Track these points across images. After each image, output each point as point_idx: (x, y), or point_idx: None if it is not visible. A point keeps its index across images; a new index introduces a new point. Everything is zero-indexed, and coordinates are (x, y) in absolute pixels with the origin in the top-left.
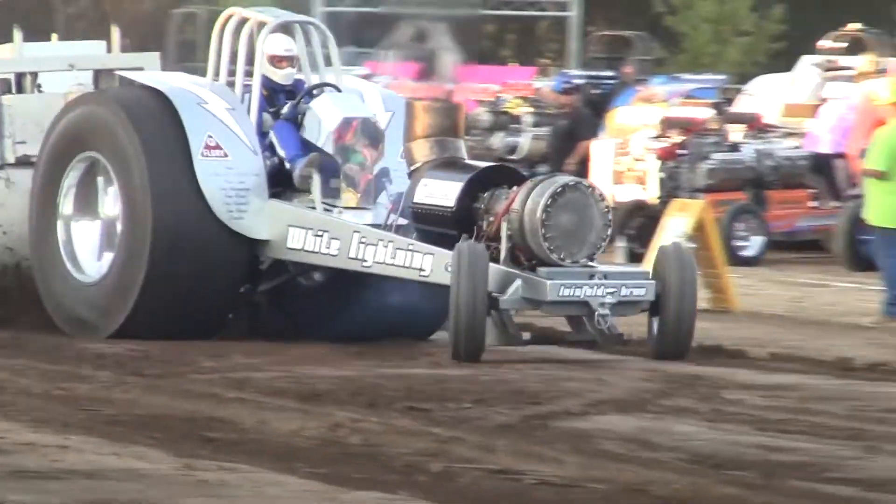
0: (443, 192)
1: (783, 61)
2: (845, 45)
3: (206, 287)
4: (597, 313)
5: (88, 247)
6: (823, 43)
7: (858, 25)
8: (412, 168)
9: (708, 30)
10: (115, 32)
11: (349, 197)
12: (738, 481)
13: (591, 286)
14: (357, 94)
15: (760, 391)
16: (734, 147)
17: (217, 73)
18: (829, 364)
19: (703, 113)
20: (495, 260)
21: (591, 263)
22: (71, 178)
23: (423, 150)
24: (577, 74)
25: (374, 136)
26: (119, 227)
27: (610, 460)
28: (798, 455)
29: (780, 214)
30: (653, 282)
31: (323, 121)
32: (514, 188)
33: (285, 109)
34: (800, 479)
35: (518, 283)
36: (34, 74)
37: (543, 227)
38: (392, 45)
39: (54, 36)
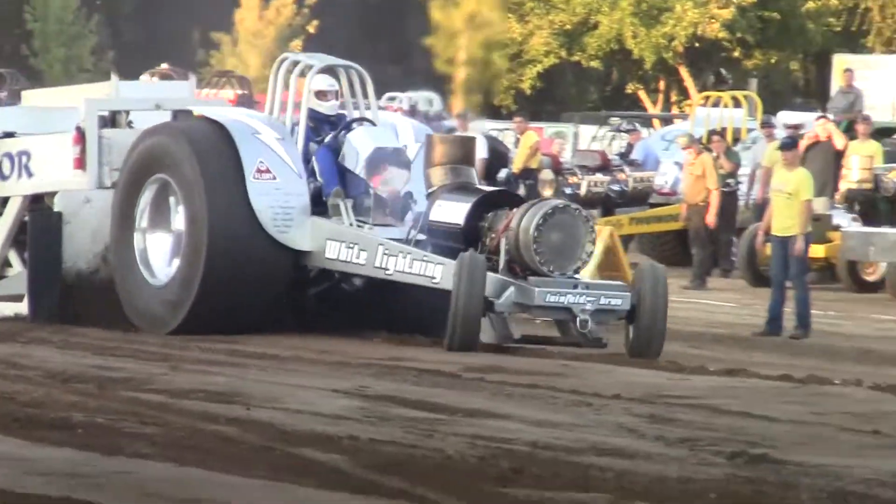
0: (454, 212)
1: None
2: None
3: (255, 290)
4: (578, 318)
5: (161, 255)
6: None
7: None
8: (430, 191)
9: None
10: (192, 77)
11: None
12: (80, 391)
13: (574, 294)
14: (391, 127)
15: None
16: None
17: (272, 109)
18: None
19: None
20: (495, 270)
21: (576, 276)
22: (146, 197)
23: (439, 176)
24: None
25: (402, 163)
26: (183, 239)
27: None
28: (123, 372)
29: None
30: (628, 294)
31: (359, 150)
32: (514, 210)
33: (327, 139)
34: (125, 389)
35: (511, 289)
36: (126, 112)
37: (535, 243)
38: None
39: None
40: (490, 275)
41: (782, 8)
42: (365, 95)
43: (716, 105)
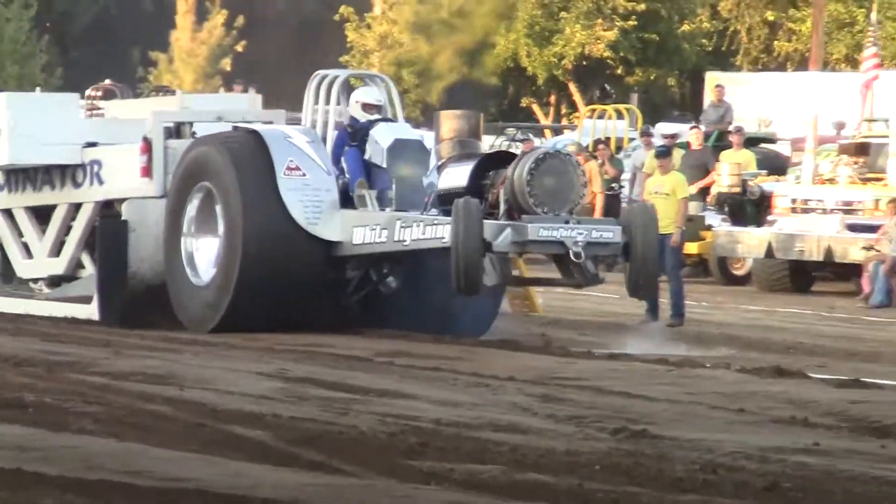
0: (459, 176)
1: None
2: None
3: (290, 282)
4: (571, 250)
5: (206, 258)
6: None
7: None
8: (439, 163)
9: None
10: (252, 91)
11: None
12: (30, 374)
13: (567, 229)
14: (407, 125)
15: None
16: None
17: (309, 120)
18: None
19: None
20: (498, 220)
21: (569, 216)
22: (193, 204)
23: (447, 149)
24: None
25: (421, 153)
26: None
27: None
28: (69, 357)
29: None
30: (619, 227)
31: (380, 143)
32: None
33: (355, 142)
34: (71, 371)
35: (508, 230)
36: (190, 123)
37: (529, 186)
38: None
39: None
40: (487, 222)
41: (660, 30)
42: (391, 102)
43: (601, 117)
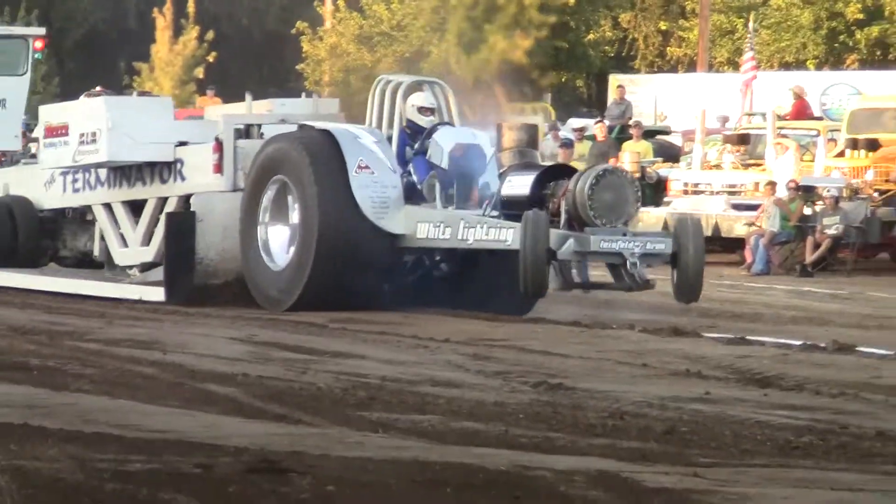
0: (521, 185)
1: None
2: None
3: (358, 269)
4: (628, 261)
5: (279, 244)
6: None
7: None
8: (501, 171)
9: None
10: (314, 95)
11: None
12: (35, 341)
13: (624, 241)
14: (469, 129)
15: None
16: None
17: (371, 121)
18: None
19: None
20: (558, 228)
21: (625, 227)
22: (268, 195)
23: (507, 158)
24: None
25: (480, 156)
26: (298, 229)
27: None
28: (68, 326)
29: None
30: (670, 238)
31: (442, 146)
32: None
33: (417, 145)
34: (70, 339)
35: (571, 240)
36: (258, 125)
37: (590, 200)
38: None
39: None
40: (553, 230)
41: (570, 39)
42: (448, 106)
43: (520, 114)
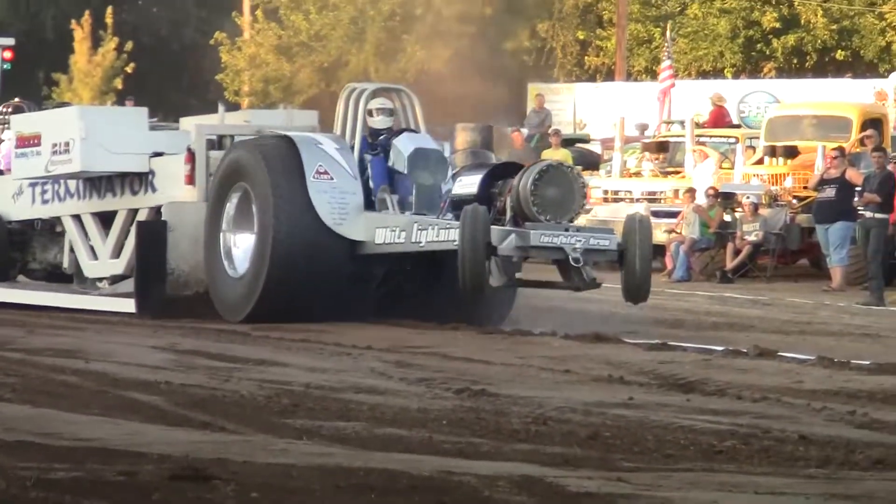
0: (470, 184)
1: None
2: None
3: (316, 276)
4: (570, 255)
5: (243, 251)
6: None
7: None
8: (454, 172)
9: None
10: (290, 107)
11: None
12: None
13: (566, 236)
14: (428, 136)
15: None
16: None
17: (340, 128)
18: None
19: None
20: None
21: (570, 224)
22: (232, 202)
23: (461, 158)
24: None
25: (439, 161)
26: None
27: None
28: None
29: None
30: (615, 235)
31: (402, 151)
32: None
33: (378, 149)
34: None
35: (512, 235)
36: (231, 136)
37: (532, 196)
38: None
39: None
40: (494, 227)
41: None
42: (412, 112)
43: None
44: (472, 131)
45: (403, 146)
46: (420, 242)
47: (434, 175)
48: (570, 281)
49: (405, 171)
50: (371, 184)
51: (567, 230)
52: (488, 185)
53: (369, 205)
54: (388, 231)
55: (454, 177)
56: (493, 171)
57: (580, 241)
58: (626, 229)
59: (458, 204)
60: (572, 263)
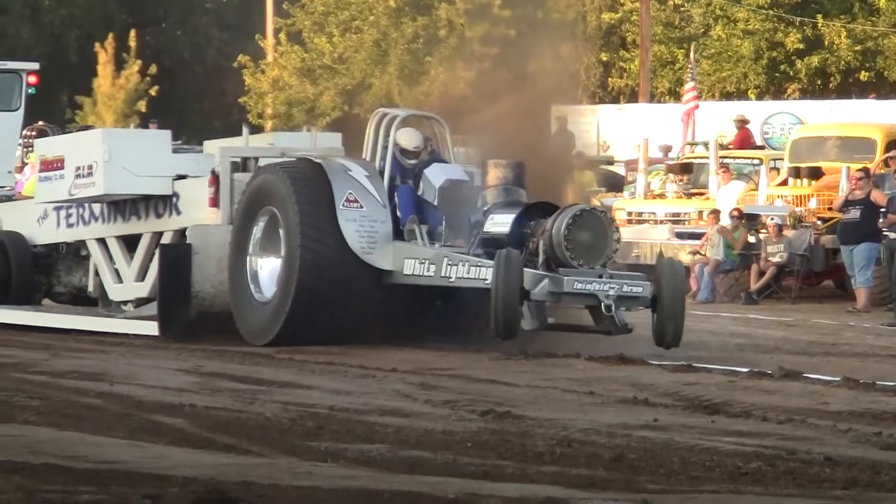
0: (503, 223)
1: None
2: None
3: (342, 305)
4: (602, 303)
5: (270, 275)
6: None
7: None
8: (485, 209)
9: None
10: (314, 129)
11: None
12: None
13: (599, 283)
14: (459, 166)
15: None
16: None
17: (369, 154)
18: None
19: None
20: (536, 269)
21: (603, 269)
22: (258, 227)
23: (492, 195)
24: None
25: (470, 193)
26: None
27: None
28: (14, 359)
29: None
30: (649, 282)
31: (433, 182)
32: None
33: (409, 179)
34: (16, 371)
35: (545, 281)
36: (256, 158)
37: (566, 241)
38: None
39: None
40: (527, 270)
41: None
42: (443, 141)
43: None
44: (505, 168)
45: (434, 177)
46: (450, 278)
47: (464, 207)
48: (602, 325)
49: (435, 203)
50: (399, 213)
51: (600, 276)
52: (521, 224)
53: (397, 233)
54: (416, 263)
55: (486, 213)
56: (527, 211)
57: (613, 287)
58: (659, 274)
59: (489, 242)
60: (604, 312)
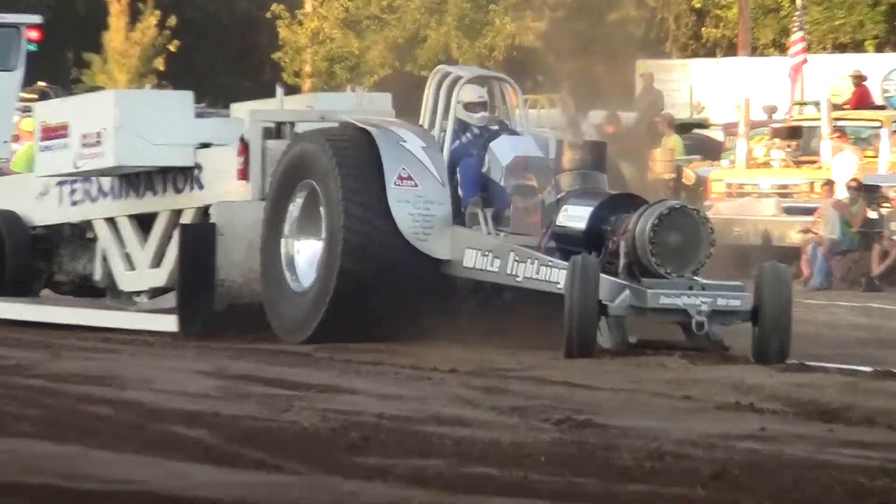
0: (578, 217)
1: None
2: None
3: (391, 297)
4: (693, 320)
5: (307, 261)
6: None
7: None
8: (559, 196)
9: None
10: (359, 89)
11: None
12: None
13: (690, 296)
14: (541, 139)
15: None
16: None
17: (427, 120)
18: None
19: None
20: (615, 274)
21: (695, 277)
22: (296, 203)
23: (567, 181)
24: None
25: (543, 173)
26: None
27: None
28: (10, 360)
29: None
30: (748, 294)
31: (500, 158)
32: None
33: (473, 150)
34: (8, 375)
35: (626, 292)
36: (292, 123)
37: (651, 245)
38: None
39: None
40: (604, 278)
41: (590, 20)
42: (512, 107)
43: (534, 107)
44: (582, 149)
45: (502, 152)
46: (517, 276)
47: (536, 189)
48: (694, 341)
49: (501, 183)
50: (460, 191)
51: (691, 288)
52: (600, 218)
53: (457, 215)
54: (479, 254)
55: (559, 201)
56: (606, 203)
57: (706, 301)
58: (761, 281)
59: (562, 237)
60: (695, 330)
